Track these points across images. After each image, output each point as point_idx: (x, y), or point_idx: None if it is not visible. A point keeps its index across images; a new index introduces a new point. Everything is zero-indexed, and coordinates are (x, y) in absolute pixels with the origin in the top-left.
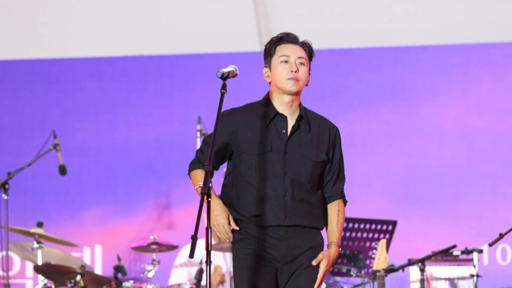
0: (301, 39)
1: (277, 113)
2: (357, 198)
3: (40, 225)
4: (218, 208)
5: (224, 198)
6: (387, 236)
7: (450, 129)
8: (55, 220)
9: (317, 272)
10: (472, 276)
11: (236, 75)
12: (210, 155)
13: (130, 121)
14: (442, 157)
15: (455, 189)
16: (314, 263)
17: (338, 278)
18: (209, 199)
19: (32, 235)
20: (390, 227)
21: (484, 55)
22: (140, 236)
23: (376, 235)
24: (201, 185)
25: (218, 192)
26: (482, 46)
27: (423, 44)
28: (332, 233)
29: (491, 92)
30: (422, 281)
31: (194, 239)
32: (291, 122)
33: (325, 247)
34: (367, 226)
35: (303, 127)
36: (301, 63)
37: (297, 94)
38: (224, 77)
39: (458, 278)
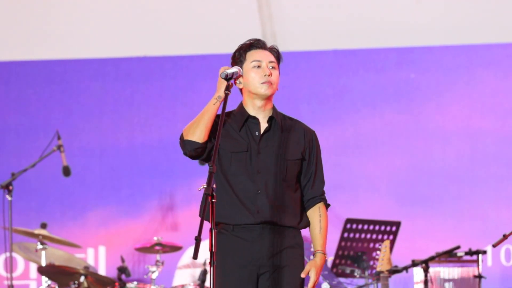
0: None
1: (249, 116)
2: (361, 198)
3: (43, 226)
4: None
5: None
6: (391, 237)
7: (454, 129)
8: (59, 221)
9: (296, 274)
10: (476, 277)
11: (240, 76)
12: (214, 156)
13: (134, 122)
14: (446, 158)
15: (459, 190)
16: (302, 275)
17: (341, 279)
18: (213, 200)
19: (35, 236)
20: (393, 228)
21: (488, 55)
22: (144, 237)
23: (379, 236)
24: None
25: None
26: (486, 46)
27: (427, 45)
28: (316, 241)
29: (495, 92)
30: (426, 282)
31: (198, 240)
32: (264, 125)
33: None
34: (371, 227)
35: (275, 128)
36: (272, 67)
37: (269, 97)
38: (228, 78)
39: (462, 279)
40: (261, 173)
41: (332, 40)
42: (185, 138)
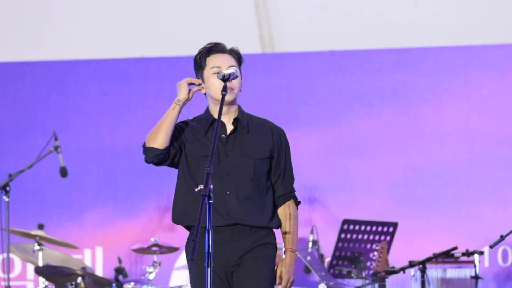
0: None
1: (214, 119)
2: (358, 199)
3: (41, 227)
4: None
5: (174, 209)
6: (388, 238)
7: (451, 130)
8: (56, 222)
9: (266, 271)
10: (473, 278)
11: (237, 77)
12: (210, 158)
13: (131, 123)
14: (443, 159)
15: (456, 191)
16: (277, 281)
17: (339, 280)
18: (210, 201)
19: (33, 237)
20: (391, 229)
21: (485, 57)
22: (141, 238)
23: (377, 237)
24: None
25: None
26: (483, 48)
27: (424, 46)
28: (286, 239)
29: (492, 93)
30: (423, 283)
31: (194, 241)
32: (229, 127)
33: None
34: (368, 228)
35: (240, 129)
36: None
37: (233, 102)
38: (225, 79)
39: (459, 280)
40: (229, 175)
41: (329, 41)
42: (147, 145)
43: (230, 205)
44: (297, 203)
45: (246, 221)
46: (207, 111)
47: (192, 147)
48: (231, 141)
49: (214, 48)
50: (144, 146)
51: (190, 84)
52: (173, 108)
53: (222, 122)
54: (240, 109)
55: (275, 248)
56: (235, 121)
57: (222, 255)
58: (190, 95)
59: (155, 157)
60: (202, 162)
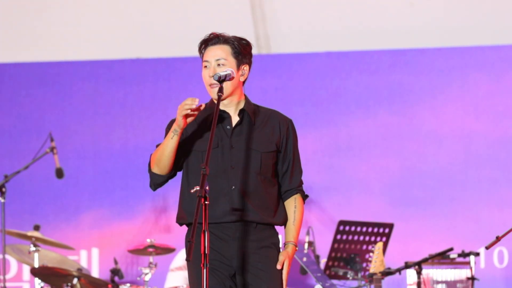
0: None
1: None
2: (354, 200)
3: (37, 228)
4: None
5: (179, 208)
6: (384, 239)
7: (447, 131)
8: (52, 223)
9: (276, 273)
10: (469, 279)
11: (233, 78)
12: (207, 158)
13: (127, 124)
14: (439, 160)
15: (452, 192)
16: (278, 266)
17: (334, 281)
18: (206, 202)
19: (29, 238)
20: (387, 230)
21: (481, 58)
22: (137, 239)
23: (373, 238)
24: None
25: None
26: (479, 49)
27: (420, 47)
28: (289, 232)
29: (488, 95)
30: (419, 284)
31: (191, 242)
32: (235, 118)
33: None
34: (364, 229)
35: (246, 121)
36: (221, 65)
37: (230, 93)
38: (221, 80)
39: (455, 281)
40: (234, 168)
41: (325, 42)
42: (152, 170)
43: (236, 200)
44: (304, 197)
45: (251, 217)
46: (212, 101)
47: (195, 142)
48: (237, 133)
49: (209, 41)
50: (149, 170)
51: (186, 109)
52: (171, 138)
53: (227, 113)
54: (246, 100)
55: (279, 250)
56: (241, 112)
57: (226, 252)
58: (188, 120)
59: (159, 185)
60: (205, 157)
